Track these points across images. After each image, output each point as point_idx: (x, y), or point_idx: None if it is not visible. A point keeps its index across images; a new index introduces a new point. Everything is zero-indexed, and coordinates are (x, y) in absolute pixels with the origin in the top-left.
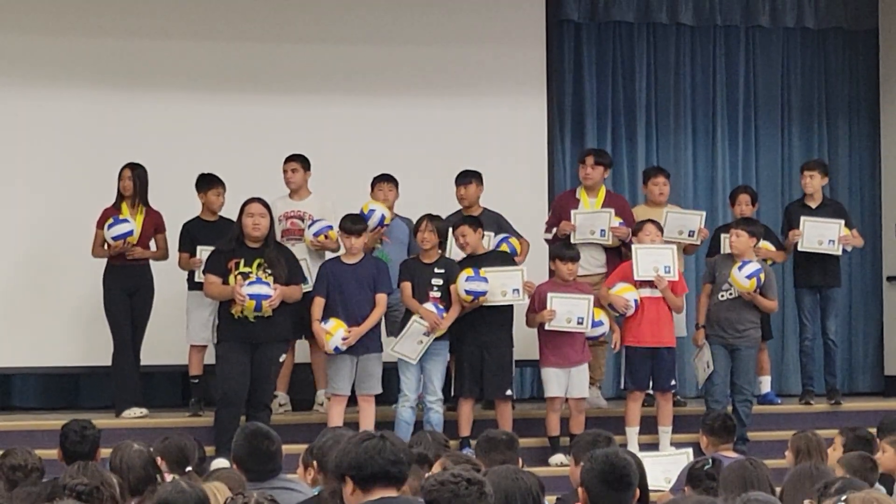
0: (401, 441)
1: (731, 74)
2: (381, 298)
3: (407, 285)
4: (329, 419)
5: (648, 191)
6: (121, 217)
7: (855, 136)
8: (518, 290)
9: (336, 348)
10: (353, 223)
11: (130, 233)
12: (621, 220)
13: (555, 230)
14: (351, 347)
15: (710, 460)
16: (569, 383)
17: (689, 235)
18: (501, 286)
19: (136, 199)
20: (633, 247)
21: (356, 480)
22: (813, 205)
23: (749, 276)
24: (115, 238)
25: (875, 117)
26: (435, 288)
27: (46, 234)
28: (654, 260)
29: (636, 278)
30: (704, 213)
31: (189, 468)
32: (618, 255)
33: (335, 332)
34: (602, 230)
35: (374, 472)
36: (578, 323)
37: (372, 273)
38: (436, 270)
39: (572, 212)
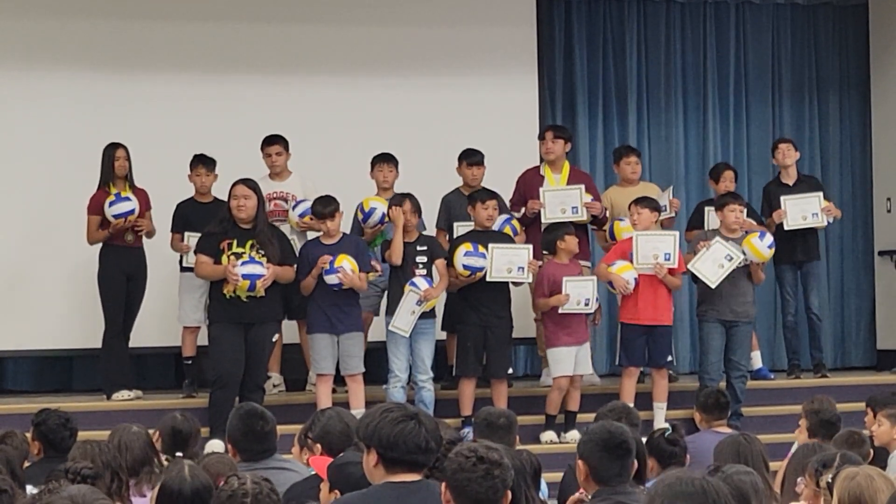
0: (434, 426)
1: (721, 50)
2: (363, 279)
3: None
4: (317, 399)
5: (620, 170)
6: (123, 195)
7: (845, 111)
8: (523, 268)
9: (330, 270)
10: (324, 206)
11: (132, 211)
12: (591, 196)
13: (524, 209)
14: (331, 326)
15: (670, 427)
16: (575, 361)
17: (663, 210)
18: (508, 263)
19: (126, 179)
20: (633, 234)
21: (383, 458)
22: (790, 182)
23: (770, 246)
24: (116, 216)
25: (865, 92)
26: (420, 265)
27: (38, 216)
28: (654, 247)
29: (635, 266)
30: (672, 187)
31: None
32: (584, 231)
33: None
34: (574, 207)
35: (401, 456)
36: (585, 304)
37: (352, 254)
38: (418, 248)
39: (540, 189)
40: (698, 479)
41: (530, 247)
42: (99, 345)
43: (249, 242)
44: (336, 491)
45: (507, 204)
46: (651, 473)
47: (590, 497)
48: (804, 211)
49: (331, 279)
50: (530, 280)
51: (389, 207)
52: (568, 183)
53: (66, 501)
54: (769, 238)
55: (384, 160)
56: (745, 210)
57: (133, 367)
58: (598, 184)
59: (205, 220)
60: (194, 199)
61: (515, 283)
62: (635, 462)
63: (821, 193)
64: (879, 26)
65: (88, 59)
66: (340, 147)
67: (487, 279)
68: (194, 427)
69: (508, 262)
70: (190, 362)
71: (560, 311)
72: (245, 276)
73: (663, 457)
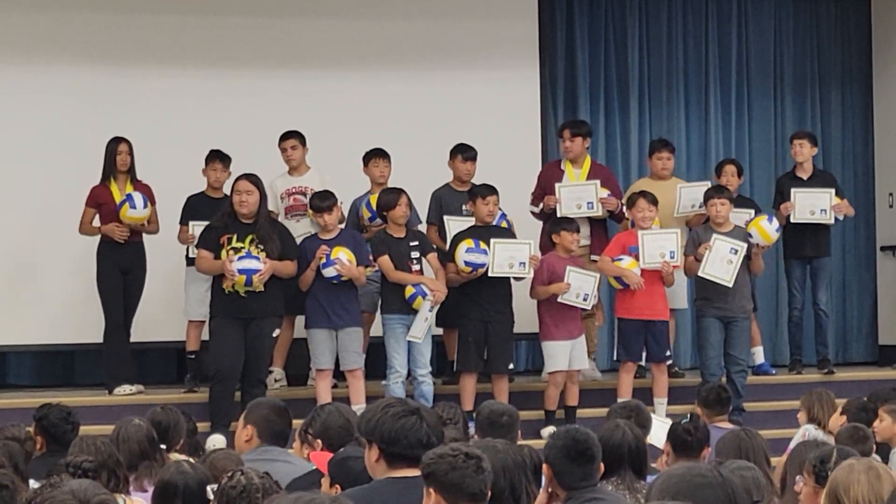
0: (435, 421)
1: (723, 44)
2: (361, 271)
3: (386, 259)
4: (317, 395)
5: (652, 164)
6: (145, 198)
7: (847, 105)
8: (525, 263)
9: (327, 262)
10: (322, 200)
11: (134, 206)
12: (609, 192)
13: (541, 205)
14: (330, 321)
15: (689, 415)
16: (571, 356)
17: (701, 206)
18: (509, 258)
19: (128, 174)
20: (639, 233)
21: (385, 453)
22: (804, 176)
23: (777, 230)
24: (128, 201)
25: (867, 86)
26: (414, 261)
27: (40, 211)
28: (660, 246)
29: (642, 266)
30: (710, 183)
31: (170, 445)
32: (602, 227)
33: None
34: (590, 202)
35: (403, 451)
36: (584, 299)
37: (350, 247)
38: (410, 243)
39: (556, 185)
40: (709, 468)
41: (531, 242)
42: (101, 339)
43: (249, 237)
44: (337, 486)
45: (530, 198)
46: (668, 458)
47: (561, 500)
48: (813, 206)
49: (328, 272)
50: (531, 275)
51: (386, 208)
52: (588, 178)
53: (68, 496)
54: (776, 222)
55: (379, 155)
56: (729, 203)
57: (135, 362)
58: None
59: (210, 213)
60: (205, 194)
61: (517, 279)
62: (602, 465)
63: (832, 190)
64: (882, 20)
65: (90, 53)
66: (340, 142)
67: (489, 275)
68: (173, 418)
69: (510, 258)
70: (193, 357)
71: (559, 299)
72: (241, 271)
73: (678, 445)
